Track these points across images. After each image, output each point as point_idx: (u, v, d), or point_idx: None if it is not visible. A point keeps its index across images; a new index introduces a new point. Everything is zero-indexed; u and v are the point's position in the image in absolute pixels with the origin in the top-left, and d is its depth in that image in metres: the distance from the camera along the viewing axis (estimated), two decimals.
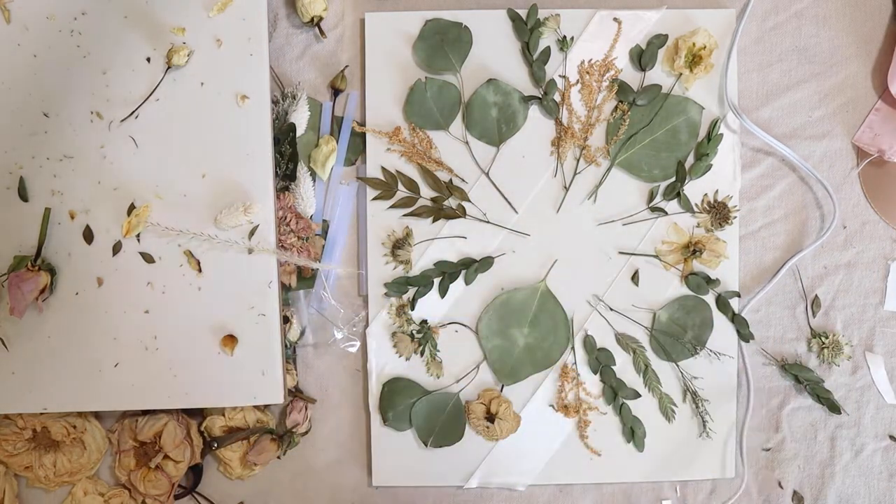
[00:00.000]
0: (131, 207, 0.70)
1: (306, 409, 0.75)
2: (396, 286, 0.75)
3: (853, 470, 0.78)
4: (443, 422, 0.75)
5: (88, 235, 0.70)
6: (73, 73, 0.69)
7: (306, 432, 0.77)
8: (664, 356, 0.76)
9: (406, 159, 0.75)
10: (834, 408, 0.76)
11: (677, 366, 0.76)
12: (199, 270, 0.70)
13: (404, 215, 0.75)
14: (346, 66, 0.76)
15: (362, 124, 0.75)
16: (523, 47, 0.74)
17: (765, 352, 0.78)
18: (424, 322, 0.75)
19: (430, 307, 0.75)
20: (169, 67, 0.69)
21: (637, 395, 0.75)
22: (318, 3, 0.73)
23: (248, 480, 0.77)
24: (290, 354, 0.76)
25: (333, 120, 0.76)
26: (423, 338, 0.75)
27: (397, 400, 0.75)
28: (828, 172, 0.77)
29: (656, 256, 0.76)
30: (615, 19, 0.74)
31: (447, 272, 0.75)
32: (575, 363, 0.76)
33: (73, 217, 0.70)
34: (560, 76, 0.75)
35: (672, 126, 0.75)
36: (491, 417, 0.74)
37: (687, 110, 0.75)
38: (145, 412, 0.74)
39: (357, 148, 0.76)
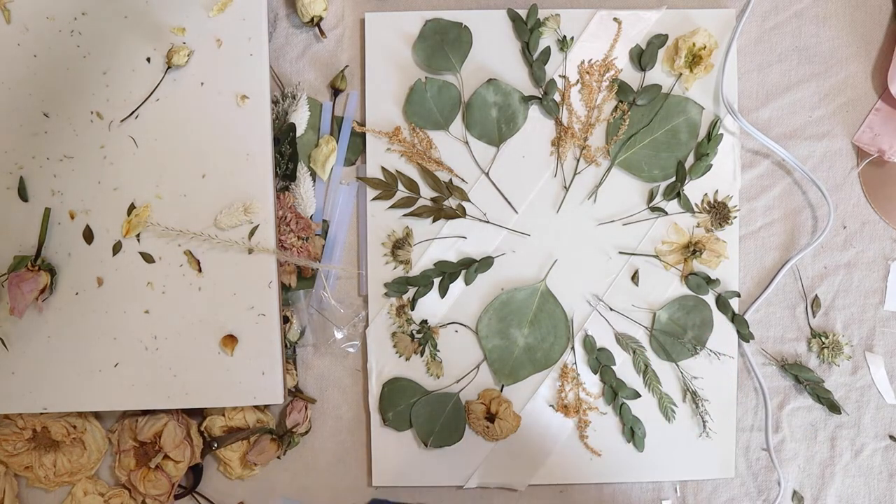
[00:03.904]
0: (131, 207, 0.70)
1: (306, 409, 0.75)
2: (396, 286, 0.75)
3: (853, 470, 0.78)
4: (443, 422, 0.75)
5: (88, 235, 0.70)
6: (73, 73, 0.69)
7: (306, 432, 0.77)
8: (664, 356, 0.76)
9: (406, 159, 0.75)
10: (834, 408, 0.76)
11: (677, 366, 0.76)
12: (199, 270, 0.70)
13: (404, 215, 0.75)
14: (346, 66, 0.76)
15: (362, 124, 0.75)
16: (523, 47, 0.74)
17: (765, 352, 0.78)
18: (424, 322, 0.75)
19: (430, 307, 0.75)
20: (169, 67, 0.69)
21: (637, 395, 0.75)
22: (318, 3, 0.73)
23: (248, 480, 0.77)
24: (290, 354, 0.76)
25: (333, 120, 0.76)
26: (423, 338, 0.75)
27: (397, 400, 0.75)
28: (828, 172, 0.77)
29: (656, 256, 0.76)
30: (615, 19, 0.74)
31: (447, 272, 0.75)
32: (575, 363, 0.76)
33: (73, 217, 0.70)
34: (560, 76, 0.75)
35: (672, 126, 0.75)
36: (491, 417, 0.74)
37: (687, 110, 0.75)
38: (145, 412, 0.74)
39: (357, 148, 0.76)
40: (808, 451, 0.78)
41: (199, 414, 0.76)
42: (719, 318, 0.76)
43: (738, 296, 0.76)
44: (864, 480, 0.78)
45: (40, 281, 0.68)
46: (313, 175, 0.75)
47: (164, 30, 0.69)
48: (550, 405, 0.76)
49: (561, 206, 0.76)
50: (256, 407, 0.75)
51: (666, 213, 0.75)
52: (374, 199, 0.75)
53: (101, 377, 0.70)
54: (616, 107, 0.75)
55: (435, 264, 0.75)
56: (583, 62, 0.75)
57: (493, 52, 0.74)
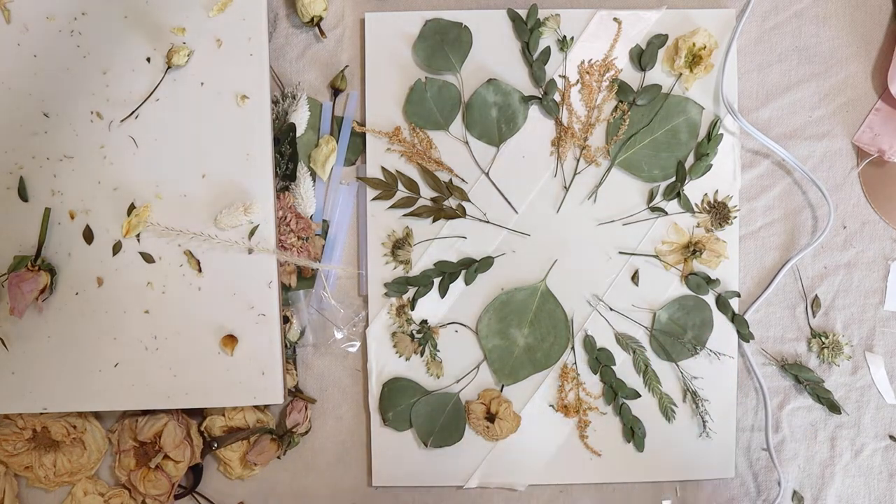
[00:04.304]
0: (131, 207, 0.70)
1: (306, 409, 0.75)
2: (396, 286, 0.75)
3: (853, 470, 0.78)
4: (443, 422, 0.75)
5: (88, 235, 0.70)
6: (73, 73, 0.69)
7: (306, 432, 0.77)
8: (664, 356, 0.76)
9: (406, 159, 0.75)
10: (834, 408, 0.76)
11: (677, 366, 0.76)
12: (199, 270, 0.70)
13: (404, 215, 0.75)
14: (346, 66, 0.76)
15: (362, 124, 0.75)
16: (523, 47, 0.74)
17: (765, 352, 0.78)
18: (424, 322, 0.75)
19: (430, 307, 0.75)
20: (169, 67, 0.69)
21: (637, 395, 0.75)
22: (318, 3, 0.73)
23: (248, 480, 0.77)
24: (290, 354, 0.76)
25: (333, 120, 0.76)
26: (423, 338, 0.75)
27: (397, 400, 0.75)
28: (828, 172, 0.77)
29: (656, 256, 0.76)
30: (615, 19, 0.74)
31: (447, 272, 0.75)
32: (575, 363, 0.76)
33: (73, 217, 0.70)
34: (560, 76, 0.75)
35: (672, 126, 0.75)
36: (491, 417, 0.74)
37: (687, 110, 0.75)
38: (145, 412, 0.74)
39: (357, 148, 0.76)
40: (808, 451, 0.78)
41: (199, 414, 0.76)
42: (719, 318, 0.76)
43: (738, 296, 0.76)
44: (864, 480, 0.78)
45: (40, 281, 0.68)
46: (313, 175, 0.75)
47: (164, 30, 0.69)
48: (550, 405, 0.76)
49: (561, 206, 0.76)
50: (256, 407, 0.75)
51: (666, 213, 0.75)
52: (374, 199, 0.75)
53: (101, 377, 0.70)
54: (616, 107, 0.75)
55: (435, 264, 0.75)
56: (583, 62, 0.75)
57: (493, 52, 0.74)
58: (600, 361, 0.75)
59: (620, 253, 0.76)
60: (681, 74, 0.74)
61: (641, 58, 0.74)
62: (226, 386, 0.71)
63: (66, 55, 0.69)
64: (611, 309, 0.76)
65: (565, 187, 0.75)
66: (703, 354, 0.76)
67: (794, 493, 0.78)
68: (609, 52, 0.75)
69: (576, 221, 0.76)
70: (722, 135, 0.75)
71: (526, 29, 0.74)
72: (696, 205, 0.75)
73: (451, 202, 0.75)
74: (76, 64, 0.69)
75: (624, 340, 0.75)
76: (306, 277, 0.75)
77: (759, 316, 0.77)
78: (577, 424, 0.76)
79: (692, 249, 0.75)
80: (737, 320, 0.76)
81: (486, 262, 0.75)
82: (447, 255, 0.75)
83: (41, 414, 0.73)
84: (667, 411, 0.76)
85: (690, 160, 0.75)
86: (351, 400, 0.77)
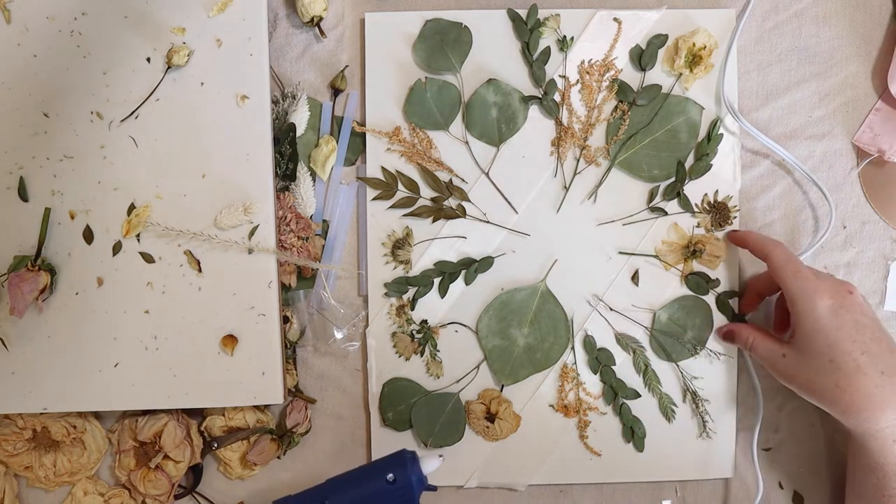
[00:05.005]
0: (131, 207, 0.70)
1: (306, 409, 0.75)
2: (396, 286, 0.75)
3: None
4: (443, 422, 0.75)
5: (88, 235, 0.70)
6: (73, 73, 0.69)
7: (306, 432, 0.77)
8: (664, 356, 0.76)
9: (406, 159, 0.75)
10: None
11: (677, 366, 0.76)
12: (199, 270, 0.70)
13: (404, 215, 0.75)
14: (346, 66, 0.76)
15: (362, 124, 0.75)
16: (523, 47, 0.74)
17: None
18: (424, 322, 0.75)
19: (430, 307, 0.75)
20: (169, 67, 0.69)
21: (637, 395, 0.75)
22: (318, 3, 0.73)
23: (248, 480, 0.77)
24: (290, 354, 0.76)
25: (333, 120, 0.76)
26: (423, 338, 0.75)
27: (397, 400, 0.75)
28: (828, 173, 0.77)
29: (656, 256, 0.76)
30: (615, 19, 0.74)
31: (447, 272, 0.75)
32: (575, 363, 0.76)
33: (73, 217, 0.70)
34: (560, 76, 0.75)
35: (672, 126, 0.75)
36: (491, 417, 0.74)
37: (687, 110, 0.75)
38: (145, 412, 0.74)
39: (357, 148, 0.76)
40: (808, 451, 0.78)
41: (199, 414, 0.76)
42: (719, 318, 0.76)
43: (739, 296, 0.76)
44: None
45: (40, 281, 0.68)
46: (313, 175, 0.75)
47: (164, 30, 0.69)
48: (550, 405, 0.76)
49: (561, 206, 0.76)
50: (256, 407, 0.75)
51: (666, 213, 0.75)
52: (374, 199, 0.75)
53: (101, 377, 0.70)
54: (616, 107, 0.75)
55: (435, 264, 0.75)
56: (583, 62, 0.75)
57: (493, 52, 0.74)
58: (600, 361, 0.75)
59: (620, 253, 0.76)
60: (681, 74, 0.74)
61: (641, 58, 0.74)
62: (226, 386, 0.71)
63: (66, 55, 0.69)
64: (611, 309, 0.76)
65: (565, 187, 0.75)
66: (703, 354, 0.76)
67: (795, 493, 0.78)
68: (609, 52, 0.75)
69: (576, 221, 0.76)
70: (722, 135, 0.75)
71: (526, 29, 0.74)
72: (696, 205, 0.75)
73: (451, 202, 0.75)
74: (76, 64, 0.69)
75: (624, 340, 0.75)
76: (306, 277, 0.75)
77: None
78: (577, 424, 0.76)
79: (692, 249, 0.75)
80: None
81: (486, 262, 0.75)
82: (447, 255, 0.75)
83: (41, 414, 0.73)
84: (667, 411, 0.76)
85: (690, 160, 0.75)
86: (351, 400, 0.77)
